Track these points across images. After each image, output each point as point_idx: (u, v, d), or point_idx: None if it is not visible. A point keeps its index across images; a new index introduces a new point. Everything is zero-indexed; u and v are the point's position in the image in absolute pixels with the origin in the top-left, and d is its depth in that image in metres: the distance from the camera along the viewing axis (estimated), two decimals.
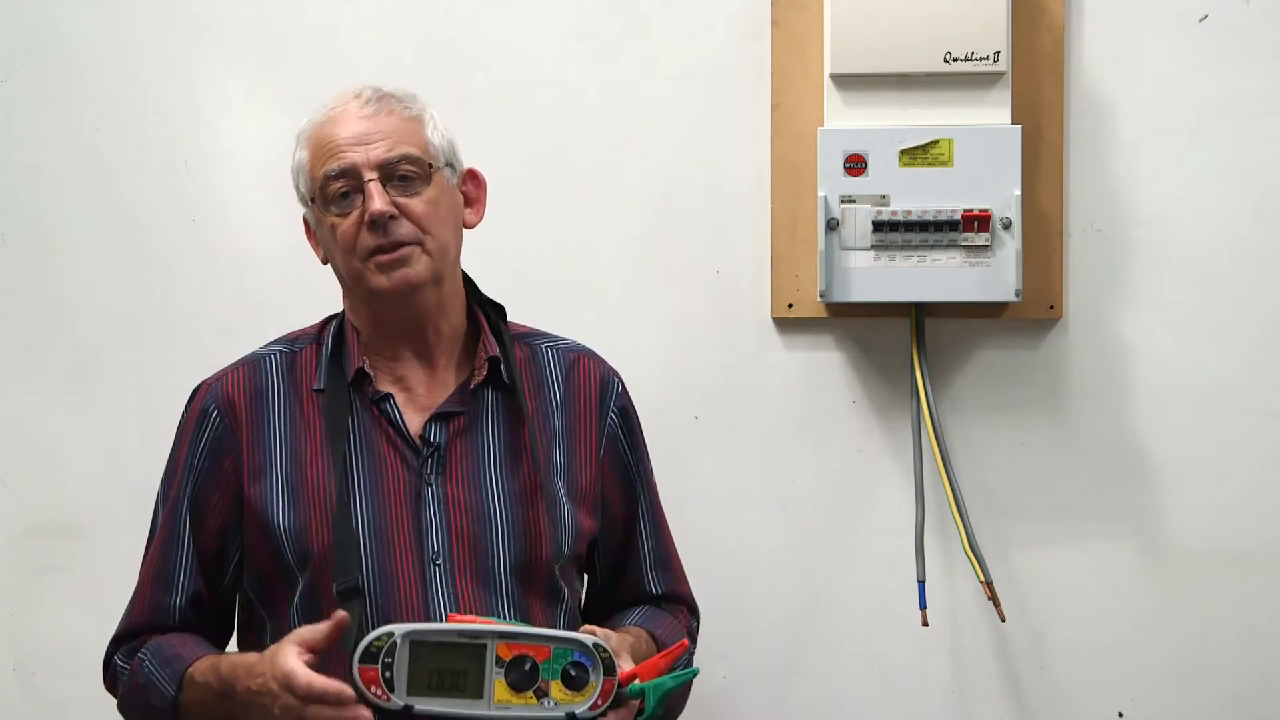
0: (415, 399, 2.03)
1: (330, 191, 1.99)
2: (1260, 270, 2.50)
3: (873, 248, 2.43)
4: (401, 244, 1.96)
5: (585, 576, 2.17)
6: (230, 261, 2.66)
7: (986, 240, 2.41)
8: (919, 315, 2.49)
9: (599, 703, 1.83)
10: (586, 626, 1.93)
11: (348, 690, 1.75)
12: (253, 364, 2.05)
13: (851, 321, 2.55)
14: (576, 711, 1.82)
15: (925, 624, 2.45)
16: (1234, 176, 2.50)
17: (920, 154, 2.42)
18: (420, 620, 1.92)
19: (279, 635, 1.94)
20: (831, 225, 2.43)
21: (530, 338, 2.14)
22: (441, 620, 1.91)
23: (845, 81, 2.44)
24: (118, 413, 2.67)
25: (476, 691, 1.81)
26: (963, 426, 2.54)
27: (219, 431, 2.01)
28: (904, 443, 2.53)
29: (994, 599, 2.45)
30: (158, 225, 2.67)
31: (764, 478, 2.58)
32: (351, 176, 1.97)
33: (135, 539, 2.09)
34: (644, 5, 2.58)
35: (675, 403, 2.57)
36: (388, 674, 1.78)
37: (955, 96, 2.42)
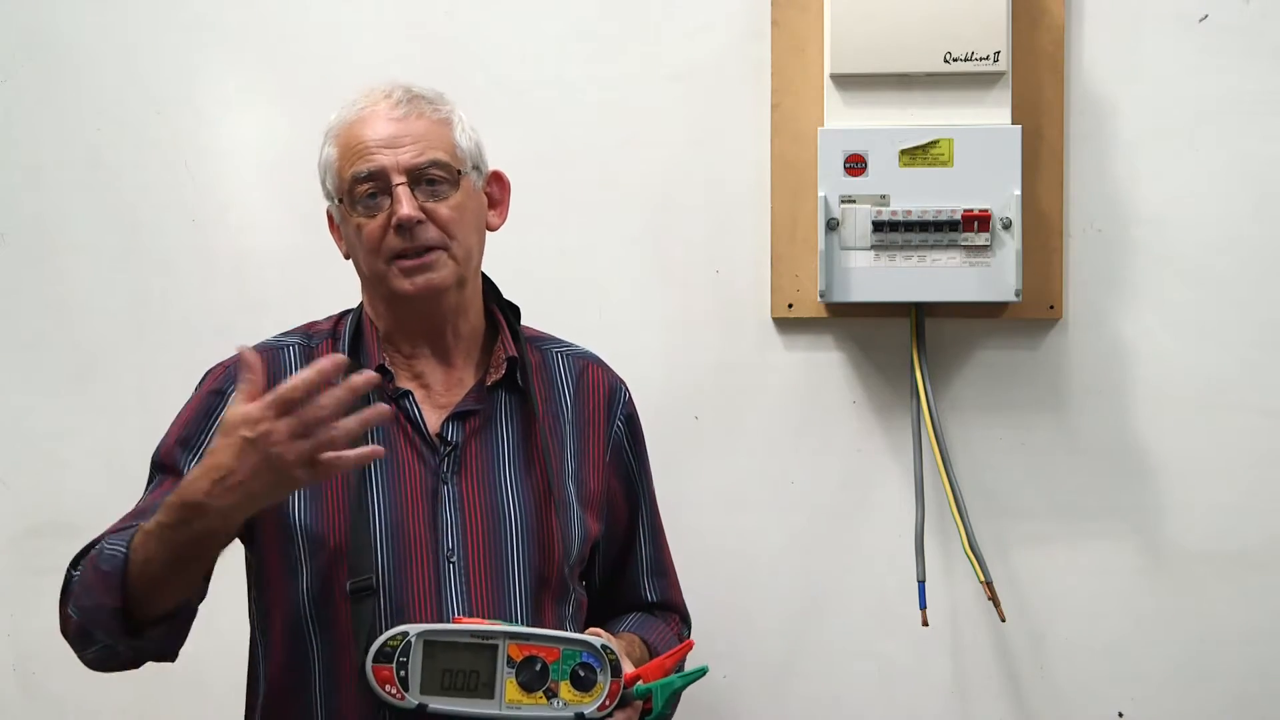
0: (433, 396, 2.04)
1: (358, 193, 1.99)
2: (1260, 270, 2.50)
3: (873, 248, 2.44)
4: (427, 248, 1.98)
5: (584, 580, 2.17)
6: (230, 261, 2.66)
7: (986, 240, 2.41)
8: (919, 315, 2.50)
9: (606, 703, 1.85)
10: (593, 629, 1.94)
11: (336, 357, 1.71)
12: (270, 352, 2.04)
13: (851, 321, 2.55)
14: (585, 712, 1.84)
15: (925, 624, 2.45)
16: (1234, 176, 2.50)
17: (920, 154, 2.42)
18: (433, 617, 1.93)
19: (287, 629, 1.95)
20: (831, 225, 2.43)
21: (540, 342, 2.14)
22: (450, 621, 1.91)
23: (845, 81, 2.44)
24: (118, 413, 2.67)
25: (488, 691, 1.82)
26: (963, 426, 2.54)
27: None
28: (904, 443, 2.53)
29: (994, 599, 2.45)
30: (158, 225, 2.67)
31: (764, 478, 2.58)
32: (380, 179, 1.98)
33: None
34: (644, 5, 2.58)
35: (675, 403, 2.57)
36: (402, 673, 1.80)
37: (955, 96, 2.42)
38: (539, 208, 2.56)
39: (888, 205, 2.43)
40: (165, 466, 2.01)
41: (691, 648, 1.96)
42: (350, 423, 1.72)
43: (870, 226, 2.42)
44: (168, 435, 2.04)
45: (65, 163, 2.68)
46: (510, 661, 1.83)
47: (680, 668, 1.99)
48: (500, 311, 2.11)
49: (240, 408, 1.73)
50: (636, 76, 2.58)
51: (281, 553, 1.98)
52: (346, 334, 2.06)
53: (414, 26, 2.62)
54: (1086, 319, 2.53)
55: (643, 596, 2.19)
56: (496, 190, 2.10)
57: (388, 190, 1.98)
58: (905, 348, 2.53)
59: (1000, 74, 2.41)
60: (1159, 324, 2.52)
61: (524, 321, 2.14)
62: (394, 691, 1.80)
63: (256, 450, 1.71)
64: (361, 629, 1.88)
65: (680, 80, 2.57)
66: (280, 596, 1.98)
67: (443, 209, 1.99)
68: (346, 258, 2.07)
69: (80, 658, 1.93)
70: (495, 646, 1.83)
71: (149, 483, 2.04)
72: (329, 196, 2.05)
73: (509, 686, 1.83)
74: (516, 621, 1.95)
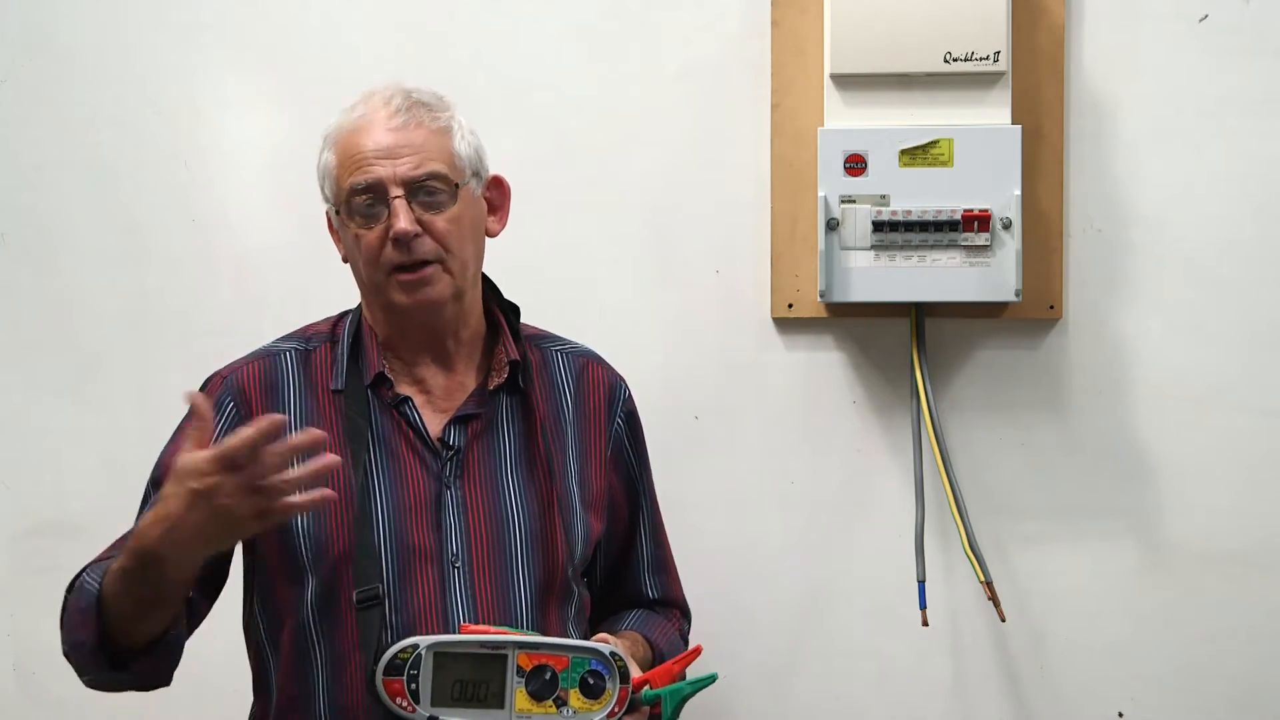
0: (433, 401, 2.04)
1: (355, 203, 1.98)
2: (1260, 270, 2.50)
3: (873, 248, 2.43)
4: (424, 263, 1.97)
5: (585, 577, 2.17)
6: (230, 261, 2.66)
7: (986, 240, 2.41)
8: (919, 315, 2.49)
9: (616, 710, 1.85)
10: (600, 635, 1.94)
11: (273, 418, 1.70)
12: (267, 359, 2.04)
13: (851, 321, 2.55)
14: (595, 719, 1.83)
15: (925, 624, 2.45)
16: (1234, 176, 2.50)
17: (920, 154, 2.42)
18: (439, 622, 1.93)
19: (291, 637, 1.95)
20: (831, 225, 2.43)
21: (539, 340, 2.14)
22: (455, 627, 1.92)
23: (845, 81, 2.44)
24: (117, 413, 2.67)
25: (498, 701, 1.82)
26: (963, 426, 2.54)
27: (233, 424, 1.98)
28: (904, 443, 2.53)
29: (994, 599, 2.45)
30: (158, 225, 2.67)
31: (764, 478, 2.58)
32: (377, 191, 1.97)
33: None
34: (644, 5, 2.58)
35: (675, 403, 2.57)
36: (413, 685, 1.80)
37: (955, 96, 2.42)
38: (539, 208, 2.56)
39: (888, 205, 2.43)
40: (160, 485, 2.01)
41: (700, 653, 1.96)
42: (298, 473, 1.71)
43: (870, 226, 2.42)
44: (166, 451, 2.03)
45: (65, 163, 2.68)
46: (520, 671, 1.83)
47: (683, 675, 1.98)
48: (501, 312, 2.10)
49: (189, 458, 1.72)
50: (636, 76, 2.58)
51: (286, 562, 1.97)
52: (345, 337, 2.05)
53: (414, 26, 2.62)
54: (1086, 319, 2.53)
55: (644, 593, 2.19)
56: (496, 196, 2.09)
57: (385, 200, 1.97)
58: (905, 348, 2.53)
59: (1000, 74, 2.41)
60: (1159, 324, 2.52)
61: (523, 320, 2.14)
62: (405, 704, 1.80)
63: (205, 502, 1.71)
64: (369, 638, 1.88)
65: (680, 80, 2.57)
66: (286, 605, 1.98)
67: (440, 221, 1.97)
68: (345, 261, 2.06)
69: (80, 680, 1.93)
70: (505, 656, 1.83)
71: (144, 501, 2.03)
72: (327, 201, 2.05)
73: (519, 696, 1.83)
74: (521, 625, 1.96)
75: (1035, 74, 2.49)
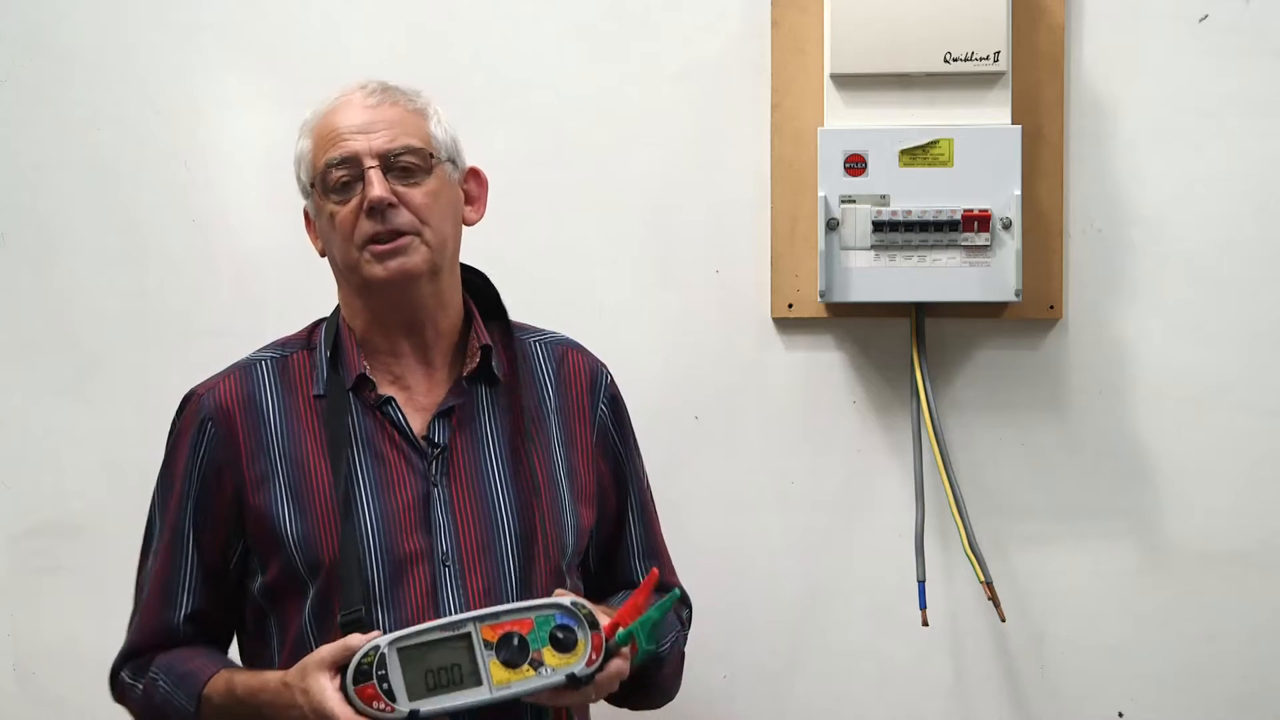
0: (414, 398, 2.03)
1: (331, 180, 1.98)
2: (1260, 270, 2.50)
3: (873, 248, 2.43)
4: (399, 233, 1.95)
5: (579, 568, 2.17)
6: (230, 261, 2.66)
7: (986, 240, 2.41)
8: (919, 315, 2.49)
9: (594, 657, 1.84)
10: (559, 590, 1.92)
11: None
12: (243, 370, 2.04)
13: (851, 321, 2.55)
14: (575, 671, 1.83)
15: (925, 624, 2.45)
16: (1234, 176, 2.50)
17: (920, 154, 2.42)
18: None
19: (289, 642, 1.95)
20: (831, 225, 2.43)
21: (518, 331, 2.12)
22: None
23: (845, 81, 2.44)
24: (117, 413, 2.67)
25: (474, 680, 1.81)
26: (963, 426, 2.54)
27: (215, 443, 1.99)
28: (904, 443, 2.53)
29: (994, 599, 2.45)
30: (158, 225, 2.67)
31: (764, 478, 2.58)
32: (352, 165, 1.97)
33: (135, 539, 2.09)
34: (644, 5, 2.58)
35: (675, 403, 2.57)
36: (385, 686, 1.78)
37: (955, 96, 2.42)
38: (539, 207, 2.56)
39: (888, 205, 2.43)
40: (164, 509, 2.03)
41: (656, 578, 1.94)
42: None
43: (870, 226, 2.42)
44: (164, 488, 2.04)
45: (65, 163, 2.68)
46: (487, 644, 1.82)
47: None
48: (473, 301, 2.08)
49: (334, 702, 1.79)
50: (636, 76, 2.58)
51: (286, 574, 1.97)
52: (323, 343, 2.04)
53: (414, 26, 2.62)
54: (1086, 319, 2.53)
55: (636, 578, 2.16)
56: (474, 187, 2.09)
57: (360, 176, 1.96)
58: (905, 348, 2.53)
59: (1000, 74, 2.41)
60: (1159, 324, 2.52)
61: (522, 320, 2.14)
62: (383, 707, 1.78)
63: None
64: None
65: (680, 80, 2.57)
66: (291, 615, 1.98)
67: (416, 194, 1.97)
68: (322, 255, 2.05)
69: None
70: (468, 634, 1.82)
71: (149, 524, 2.05)
72: (304, 191, 2.04)
73: (493, 668, 1.81)
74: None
75: (1035, 74, 2.49)
